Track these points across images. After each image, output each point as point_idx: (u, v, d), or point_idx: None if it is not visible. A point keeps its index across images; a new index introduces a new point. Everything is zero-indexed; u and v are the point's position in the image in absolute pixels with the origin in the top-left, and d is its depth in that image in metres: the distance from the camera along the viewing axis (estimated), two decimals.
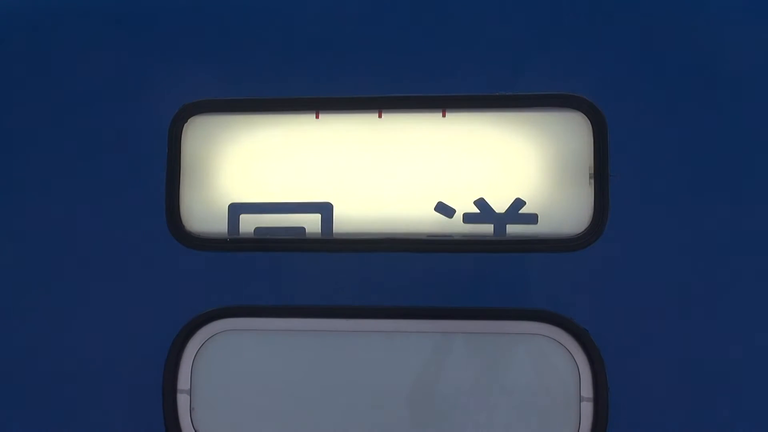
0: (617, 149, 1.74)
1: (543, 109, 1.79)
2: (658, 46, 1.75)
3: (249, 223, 1.85)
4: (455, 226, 1.81)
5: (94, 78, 1.86)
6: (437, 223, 1.81)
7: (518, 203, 1.80)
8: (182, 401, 1.82)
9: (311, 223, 1.83)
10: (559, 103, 1.78)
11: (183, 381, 1.82)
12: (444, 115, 1.83)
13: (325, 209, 1.83)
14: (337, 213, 1.83)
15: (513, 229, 1.79)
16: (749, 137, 1.72)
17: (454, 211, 1.81)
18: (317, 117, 1.85)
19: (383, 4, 1.83)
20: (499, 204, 1.80)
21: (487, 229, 1.80)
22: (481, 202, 1.81)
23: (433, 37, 1.80)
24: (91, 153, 1.84)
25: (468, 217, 1.81)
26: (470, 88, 1.79)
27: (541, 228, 1.78)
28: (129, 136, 1.84)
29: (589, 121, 1.77)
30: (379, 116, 1.85)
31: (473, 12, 1.80)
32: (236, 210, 1.85)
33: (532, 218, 1.79)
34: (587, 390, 1.75)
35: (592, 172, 1.76)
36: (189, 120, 1.85)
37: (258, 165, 1.86)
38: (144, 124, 1.84)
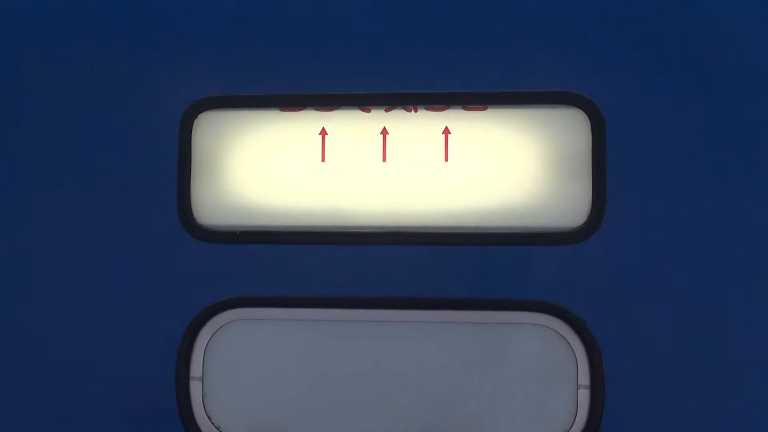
0: (614, 144, 1.78)
1: (542, 106, 1.83)
2: (656, 43, 1.78)
3: (258, 216, 1.90)
4: (458, 219, 1.85)
5: (104, 76, 1.90)
6: (440, 217, 1.85)
7: (518, 197, 1.84)
8: (195, 388, 1.89)
9: (319, 216, 1.88)
10: (558, 100, 1.82)
11: (195, 368, 1.88)
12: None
13: (332, 203, 1.88)
14: (344, 206, 1.87)
15: (513, 222, 1.83)
16: (747, 134, 1.75)
17: (455, 205, 1.85)
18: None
19: (387, 1, 1.86)
20: (500, 198, 1.84)
21: (488, 222, 1.84)
22: (482, 196, 1.85)
23: (434, 36, 1.84)
24: (106, 150, 1.89)
25: (470, 211, 1.85)
26: (471, 86, 1.83)
27: (541, 221, 1.83)
28: (142, 132, 1.89)
29: (587, 118, 1.81)
30: (387, 111, 1.88)
31: (474, 10, 1.83)
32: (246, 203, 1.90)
33: (532, 212, 1.83)
34: (584, 378, 1.81)
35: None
36: (199, 116, 1.89)
37: (266, 160, 1.91)
38: (155, 120, 1.89)
